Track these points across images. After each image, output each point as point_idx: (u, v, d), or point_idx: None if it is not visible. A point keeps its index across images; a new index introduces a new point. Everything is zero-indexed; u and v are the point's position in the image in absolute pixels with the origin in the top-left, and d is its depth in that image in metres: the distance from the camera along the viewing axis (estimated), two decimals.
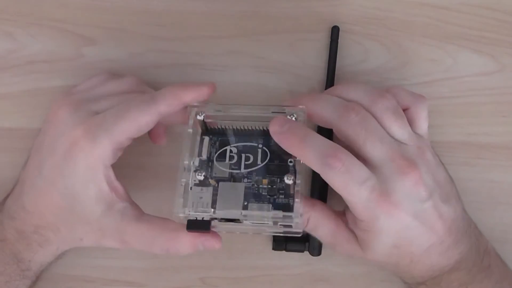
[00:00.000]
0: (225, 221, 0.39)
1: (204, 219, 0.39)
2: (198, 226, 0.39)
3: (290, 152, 0.40)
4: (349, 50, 0.49)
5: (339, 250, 0.43)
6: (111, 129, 0.40)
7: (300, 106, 0.41)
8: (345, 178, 0.38)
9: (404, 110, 0.41)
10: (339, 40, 0.48)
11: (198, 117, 0.41)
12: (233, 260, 0.49)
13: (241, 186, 0.40)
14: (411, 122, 0.41)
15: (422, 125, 0.42)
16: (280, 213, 0.38)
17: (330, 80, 0.48)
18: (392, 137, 0.40)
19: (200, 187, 0.40)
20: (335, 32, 0.48)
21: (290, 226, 0.38)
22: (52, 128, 0.42)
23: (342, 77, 0.49)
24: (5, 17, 0.48)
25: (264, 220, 0.38)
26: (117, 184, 0.42)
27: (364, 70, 0.49)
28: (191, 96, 0.42)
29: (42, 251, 0.44)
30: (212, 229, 0.39)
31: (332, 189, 0.39)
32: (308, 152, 0.38)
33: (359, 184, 0.38)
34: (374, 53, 0.49)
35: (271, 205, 0.39)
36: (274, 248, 0.48)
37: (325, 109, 0.41)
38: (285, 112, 0.41)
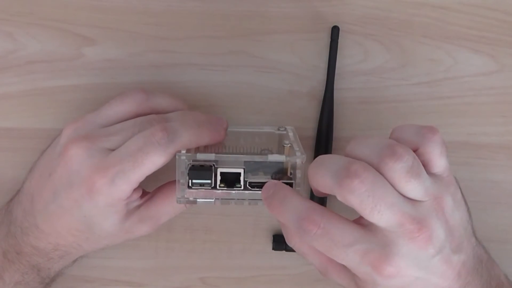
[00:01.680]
0: (225, 187, 0.39)
1: (206, 165, 0.39)
2: (200, 175, 0.39)
3: (277, 218, 0.38)
4: (349, 50, 0.49)
5: (330, 279, 0.41)
6: (129, 176, 0.39)
7: (289, 127, 0.42)
8: (325, 242, 0.35)
9: (414, 150, 0.37)
10: (339, 40, 0.48)
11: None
12: (233, 260, 0.49)
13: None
14: (425, 164, 0.37)
15: (438, 163, 0.38)
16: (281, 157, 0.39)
17: (330, 80, 0.48)
18: (405, 196, 0.36)
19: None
20: (335, 32, 0.48)
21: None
22: (64, 164, 0.41)
23: (342, 77, 0.49)
24: (5, 17, 0.48)
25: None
26: (134, 197, 0.42)
27: (364, 70, 0.49)
28: (207, 141, 0.41)
29: (63, 261, 0.45)
30: (208, 200, 0.40)
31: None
32: (285, 216, 0.36)
33: (344, 247, 0.35)
34: (374, 53, 0.49)
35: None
36: (274, 248, 0.48)
37: (324, 175, 0.36)
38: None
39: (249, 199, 0.40)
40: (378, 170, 0.35)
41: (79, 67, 0.49)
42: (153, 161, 0.39)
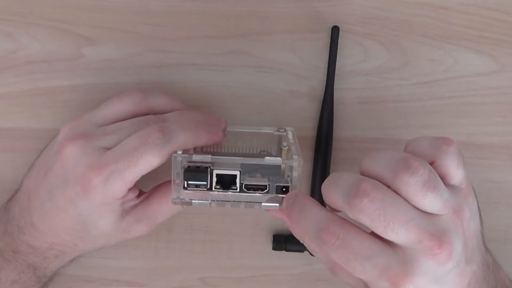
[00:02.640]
0: (221, 189, 0.39)
1: (202, 166, 0.39)
2: (196, 176, 0.39)
3: (293, 231, 0.38)
4: (349, 50, 0.49)
5: (338, 277, 0.40)
6: (124, 175, 0.39)
7: (289, 128, 0.42)
8: (343, 254, 0.34)
9: (430, 163, 0.36)
10: (339, 40, 0.48)
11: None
12: (233, 260, 0.49)
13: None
14: (442, 176, 0.36)
15: (456, 174, 0.37)
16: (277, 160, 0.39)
17: (330, 80, 0.48)
18: (422, 211, 0.35)
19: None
20: (335, 32, 0.48)
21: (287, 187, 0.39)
22: (60, 162, 0.41)
23: (342, 77, 0.49)
24: (5, 17, 0.48)
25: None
26: (130, 196, 0.42)
27: (364, 70, 0.49)
28: (203, 142, 0.41)
29: (58, 261, 0.45)
30: (203, 201, 0.40)
31: None
32: (304, 226, 0.36)
33: (362, 259, 0.34)
34: (374, 53, 0.49)
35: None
36: (274, 248, 0.48)
37: (335, 193, 0.36)
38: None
39: (245, 202, 0.40)
40: (393, 185, 0.35)
41: (79, 67, 0.49)
42: (149, 161, 0.39)
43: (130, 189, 0.41)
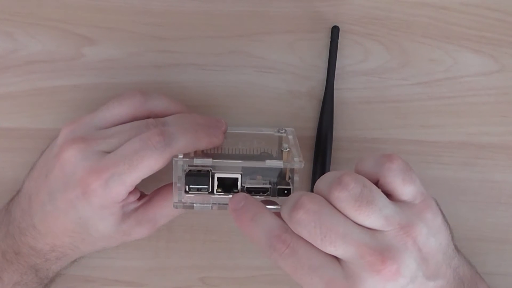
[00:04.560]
0: (222, 192, 0.39)
1: (203, 170, 0.39)
2: (197, 180, 0.39)
3: (243, 232, 0.38)
4: (349, 50, 0.49)
5: None
6: (123, 178, 0.39)
7: (289, 129, 0.43)
8: (292, 263, 0.35)
9: (376, 181, 0.37)
10: (339, 40, 0.48)
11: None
12: (233, 260, 0.49)
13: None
14: (389, 193, 0.37)
15: (402, 191, 0.37)
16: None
17: (330, 80, 0.48)
18: (365, 227, 0.35)
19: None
20: (335, 32, 0.48)
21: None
22: (60, 165, 0.41)
23: (342, 77, 0.49)
24: (5, 17, 0.48)
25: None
26: (130, 199, 0.42)
27: (364, 70, 0.49)
28: (204, 145, 0.41)
29: (60, 262, 0.45)
30: (205, 205, 0.40)
31: None
32: (255, 232, 0.36)
33: (309, 270, 0.35)
34: (374, 53, 0.49)
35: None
36: None
37: (282, 207, 0.37)
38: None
39: None
40: (329, 202, 0.35)
41: (79, 67, 0.49)
42: (149, 165, 0.39)
43: (130, 192, 0.41)
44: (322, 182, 0.37)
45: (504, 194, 0.48)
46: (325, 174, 0.38)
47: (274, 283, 0.48)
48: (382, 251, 0.34)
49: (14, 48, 0.49)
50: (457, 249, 0.40)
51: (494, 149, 0.49)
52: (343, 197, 0.35)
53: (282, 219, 0.37)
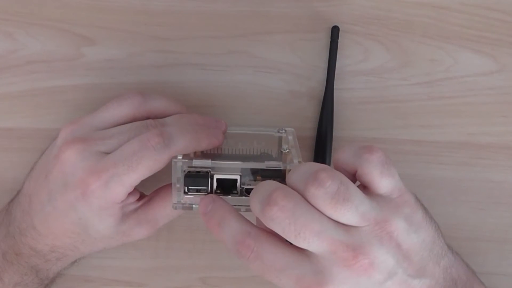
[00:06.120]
0: (221, 193, 0.39)
1: (202, 171, 0.39)
2: (196, 182, 0.39)
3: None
4: (349, 50, 0.49)
5: None
6: (123, 179, 0.39)
7: (289, 129, 0.43)
8: (258, 266, 0.35)
9: (353, 173, 0.37)
10: (339, 40, 0.48)
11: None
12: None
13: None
14: (366, 186, 0.37)
15: (380, 184, 0.36)
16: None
17: (330, 80, 0.48)
18: (339, 222, 0.35)
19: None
20: (335, 32, 0.48)
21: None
22: (59, 166, 0.41)
23: (342, 77, 0.49)
24: (5, 17, 0.48)
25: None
26: (130, 200, 0.42)
27: (364, 70, 0.49)
28: (204, 146, 0.41)
29: (60, 263, 0.45)
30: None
31: None
32: (223, 237, 0.37)
33: (276, 271, 0.35)
34: (374, 53, 0.49)
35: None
36: None
37: (254, 201, 0.36)
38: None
39: (245, 206, 0.40)
40: (305, 198, 0.35)
41: (79, 67, 0.49)
42: (148, 166, 0.39)
43: (130, 193, 0.41)
44: (296, 175, 0.36)
45: (504, 194, 0.48)
46: (299, 166, 0.37)
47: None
48: (355, 246, 0.34)
49: (14, 48, 0.49)
50: (450, 249, 0.39)
51: (494, 149, 0.49)
52: (319, 195, 0.34)
53: (247, 221, 0.37)
